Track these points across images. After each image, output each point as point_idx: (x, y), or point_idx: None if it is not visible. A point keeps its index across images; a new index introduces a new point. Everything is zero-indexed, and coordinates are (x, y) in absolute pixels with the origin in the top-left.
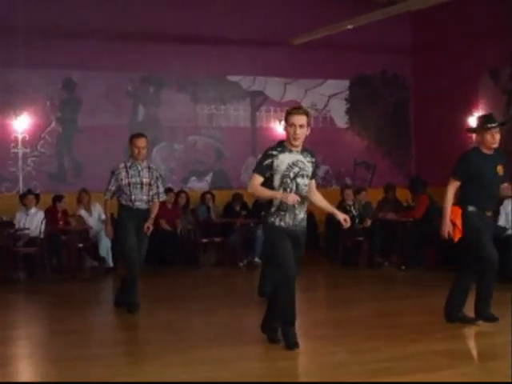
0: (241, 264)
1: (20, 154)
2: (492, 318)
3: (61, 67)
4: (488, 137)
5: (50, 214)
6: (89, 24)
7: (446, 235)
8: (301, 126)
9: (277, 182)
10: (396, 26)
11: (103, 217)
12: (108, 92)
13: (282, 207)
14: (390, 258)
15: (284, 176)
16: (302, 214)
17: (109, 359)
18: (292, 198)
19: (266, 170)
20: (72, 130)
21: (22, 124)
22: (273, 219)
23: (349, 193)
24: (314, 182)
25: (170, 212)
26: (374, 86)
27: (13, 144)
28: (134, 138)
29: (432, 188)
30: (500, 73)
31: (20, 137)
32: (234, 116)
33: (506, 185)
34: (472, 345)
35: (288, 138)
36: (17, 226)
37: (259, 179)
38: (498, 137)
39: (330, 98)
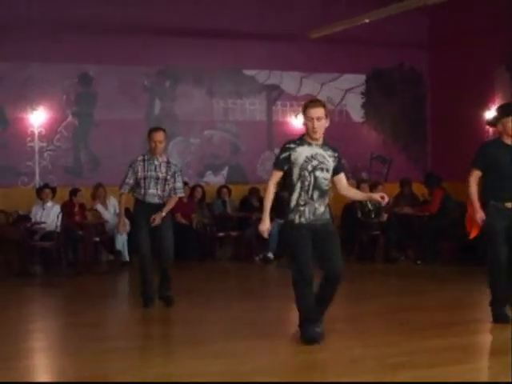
0: (256, 258)
1: (36, 148)
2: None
3: (77, 61)
4: (509, 124)
5: (67, 208)
6: (105, 18)
7: (480, 221)
8: (318, 119)
9: (295, 175)
10: (413, 19)
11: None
12: (124, 86)
13: (301, 201)
14: (406, 253)
15: (302, 169)
16: (322, 208)
17: (125, 352)
18: (260, 228)
19: (283, 164)
20: (88, 124)
21: (38, 118)
22: (293, 216)
23: (365, 187)
24: (342, 175)
25: (186, 206)
26: (390, 81)
27: (29, 138)
28: (151, 131)
29: (449, 183)
30: None
31: (36, 131)
32: (249, 110)
33: None
34: (488, 339)
35: (307, 132)
36: (33, 220)
37: (277, 175)
38: None
39: (346, 92)
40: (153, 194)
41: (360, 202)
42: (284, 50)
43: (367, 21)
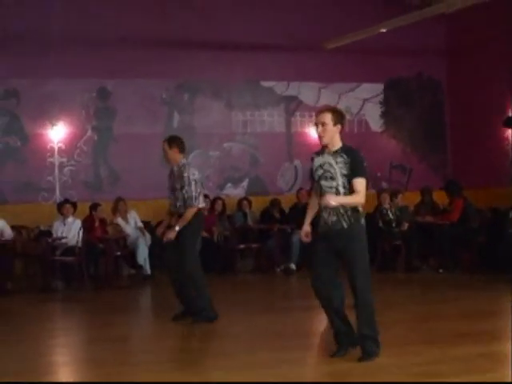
0: (278, 269)
1: (56, 164)
2: None
3: (95, 76)
4: None
5: (88, 223)
6: (122, 33)
7: None
8: (323, 124)
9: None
10: (430, 28)
11: (139, 224)
12: (142, 100)
13: (319, 212)
14: (427, 262)
15: (315, 178)
16: (333, 217)
17: (150, 366)
18: (303, 235)
19: (312, 174)
20: (107, 139)
21: (58, 133)
22: (316, 225)
23: (385, 196)
24: (354, 181)
25: (207, 219)
26: (408, 89)
27: (49, 153)
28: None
29: (469, 190)
30: None
31: (56, 146)
32: (268, 122)
33: None
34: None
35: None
36: (54, 235)
37: (314, 185)
38: None
39: (365, 101)
40: (172, 204)
41: (381, 211)
42: (302, 61)
43: (384, 30)
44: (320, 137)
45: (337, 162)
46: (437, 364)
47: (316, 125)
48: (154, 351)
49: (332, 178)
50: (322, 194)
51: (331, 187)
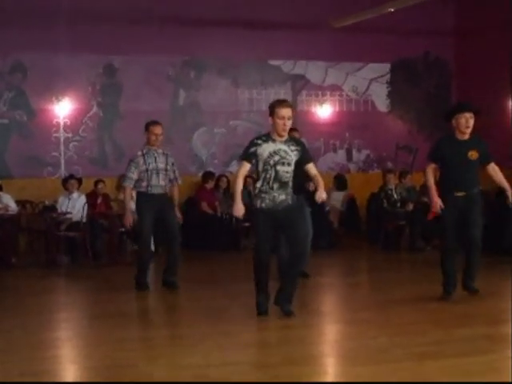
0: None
1: (62, 139)
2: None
3: (102, 52)
4: (462, 121)
5: (92, 199)
6: (130, 8)
7: (437, 210)
8: (289, 118)
9: (260, 167)
10: (438, 8)
11: None
12: (149, 76)
13: (263, 190)
14: (431, 242)
15: (265, 163)
16: (282, 196)
17: (151, 342)
18: (236, 212)
19: (251, 157)
20: (113, 115)
21: (63, 109)
22: (256, 201)
23: (390, 177)
24: (311, 165)
25: (211, 196)
26: (415, 70)
27: (55, 129)
28: (150, 125)
29: None
30: None
31: (62, 122)
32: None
33: None
34: None
35: (276, 130)
36: (59, 211)
37: (246, 166)
38: (471, 122)
39: (371, 81)
40: (156, 185)
41: (385, 191)
42: (309, 40)
43: (392, 10)
44: (286, 130)
45: (291, 150)
46: (440, 345)
47: (283, 118)
48: (155, 327)
49: (289, 164)
50: (275, 178)
51: (288, 172)
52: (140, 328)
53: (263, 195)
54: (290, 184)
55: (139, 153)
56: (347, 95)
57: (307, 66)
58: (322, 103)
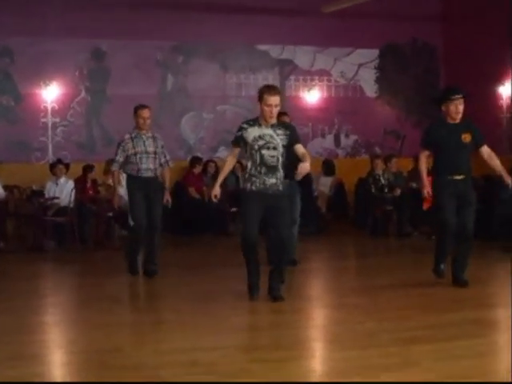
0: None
1: (49, 124)
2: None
3: (90, 36)
4: (452, 107)
5: (80, 184)
6: None
7: (426, 194)
8: (276, 106)
9: (247, 151)
10: None
11: None
12: (137, 61)
13: (252, 173)
14: (419, 228)
15: (251, 147)
16: (272, 180)
17: (138, 327)
18: (212, 193)
19: (238, 141)
20: (101, 100)
21: (51, 94)
22: (246, 184)
23: (378, 162)
24: (298, 146)
25: (199, 181)
26: (403, 55)
27: (42, 114)
28: (139, 108)
29: None
30: None
31: (49, 106)
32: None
33: None
34: (504, 313)
35: (263, 116)
36: (47, 196)
37: (234, 150)
38: (461, 108)
39: (360, 66)
40: (146, 168)
41: (373, 177)
42: (297, 25)
43: None
44: (272, 117)
45: (277, 134)
46: (428, 329)
47: (270, 106)
48: (142, 311)
49: (274, 148)
50: (261, 162)
51: (273, 156)
52: (128, 312)
53: (253, 179)
54: (280, 168)
55: (127, 136)
56: (335, 80)
57: (295, 50)
58: (310, 88)
